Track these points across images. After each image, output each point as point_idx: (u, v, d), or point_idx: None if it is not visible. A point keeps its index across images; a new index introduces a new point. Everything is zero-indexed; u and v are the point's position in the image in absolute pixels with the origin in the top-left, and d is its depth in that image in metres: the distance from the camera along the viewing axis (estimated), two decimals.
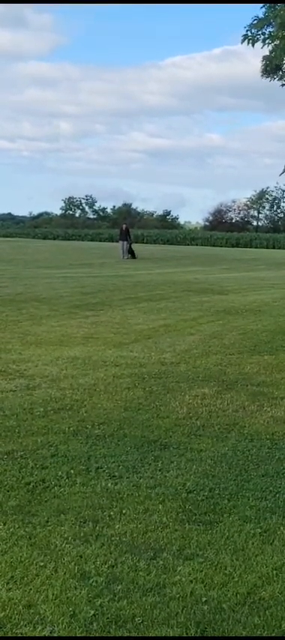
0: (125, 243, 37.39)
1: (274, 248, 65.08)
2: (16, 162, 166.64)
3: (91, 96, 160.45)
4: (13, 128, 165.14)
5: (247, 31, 11.25)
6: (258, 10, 11.65)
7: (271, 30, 11.33)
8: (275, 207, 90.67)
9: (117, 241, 42.29)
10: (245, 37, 11.29)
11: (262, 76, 12.47)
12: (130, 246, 37.28)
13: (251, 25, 11.22)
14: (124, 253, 36.88)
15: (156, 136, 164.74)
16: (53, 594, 3.49)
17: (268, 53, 12.02)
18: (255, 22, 11.18)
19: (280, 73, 12.58)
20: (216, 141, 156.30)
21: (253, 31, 11.17)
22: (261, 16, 11.25)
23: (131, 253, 37.02)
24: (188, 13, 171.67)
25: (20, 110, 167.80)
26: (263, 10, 11.27)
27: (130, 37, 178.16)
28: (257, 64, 12.50)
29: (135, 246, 39.47)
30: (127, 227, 39.67)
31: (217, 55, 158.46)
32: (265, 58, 12.23)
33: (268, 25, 11.22)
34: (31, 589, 3.54)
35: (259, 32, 11.18)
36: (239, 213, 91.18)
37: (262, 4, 11.31)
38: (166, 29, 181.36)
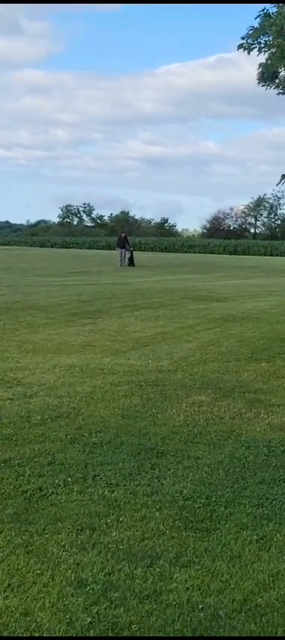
0: (123, 250, 37.42)
1: (271, 255, 65.27)
2: (12, 171, 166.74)
3: (86, 104, 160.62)
4: (10, 136, 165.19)
5: (243, 39, 11.34)
6: (253, 21, 11.72)
7: (266, 39, 11.39)
8: (273, 214, 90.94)
9: (114, 249, 42.42)
10: (241, 45, 11.37)
11: (258, 83, 12.52)
12: (131, 254, 37.30)
13: (247, 36, 11.30)
14: (122, 261, 36.90)
15: (152, 144, 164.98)
16: (50, 602, 3.49)
17: (263, 61, 12.08)
18: (251, 32, 11.26)
19: (277, 80, 12.63)
20: (212, 148, 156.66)
21: (248, 40, 11.24)
22: (256, 26, 11.33)
23: (131, 261, 37.02)
24: (183, 21, 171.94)
25: (16, 118, 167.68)
26: (258, 20, 11.36)
27: (125, 44, 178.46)
28: (252, 72, 12.61)
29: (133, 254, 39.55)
30: (126, 235, 39.76)
31: (211, 63, 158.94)
32: (261, 65, 12.28)
33: (263, 35, 11.29)
34: (28, 597, 3.55)
35: (255, 42, 11.25)
36: (237, 221, 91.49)
37: (256, 16, 11.37)
38: (161, 37, 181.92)
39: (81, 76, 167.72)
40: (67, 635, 3.25)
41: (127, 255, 37.42)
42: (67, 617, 3.37)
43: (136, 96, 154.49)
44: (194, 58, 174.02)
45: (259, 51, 11.67)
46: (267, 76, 12.46)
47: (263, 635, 3.30)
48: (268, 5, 11.31)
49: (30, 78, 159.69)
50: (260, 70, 12.40)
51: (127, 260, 37.09)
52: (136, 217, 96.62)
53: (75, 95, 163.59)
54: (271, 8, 11.46)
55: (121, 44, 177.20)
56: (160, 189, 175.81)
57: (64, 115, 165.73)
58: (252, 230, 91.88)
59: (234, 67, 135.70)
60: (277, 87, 12.69)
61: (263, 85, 12.43)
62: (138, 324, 13.61)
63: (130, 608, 3.45)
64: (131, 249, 38.43)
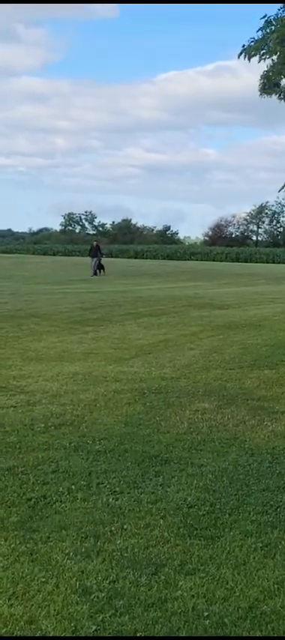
0: (95, 259, 37.33)
1: (273, 262, 65.27)
2: (12, 179, 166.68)
3: (84, 111, 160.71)
4: (8, 144, 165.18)
5: (243, 49, 11.38)
6: (251, 28, 11.79)
7: (267, 46, 11.43)
8: (275, 221, 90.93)
9: (116, 256, 42.23)
10: (242, 50, 11.41)
11: (260, 94, 12.56)
12: (99, 262, 37.20)
13: (249, 47, 11.35)
14: (93, 269, 36.65)
15: (152, 151, 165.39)
16: (55, 610, 3.49)
17: (265, 69, 12.12)
18: (252, 43, 11.30)
19: (278, 89, 12.65)
20: (212, 156, 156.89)
21: (250, 50, 11.29)
22: (257, 37, 11.38)
23: (100, 268, 36.90)
24: (180, 30, 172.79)
25: (14, 126, 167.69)
26: (259, 34, 11.41)
27: (121, 53, 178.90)
28: (251, 79, 12.72)
29: (135, 262, 39.55)
30: (98, 244, 39.91)
31: (210, 71, 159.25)
32: (263, 76, 12.32)
33: (264, 46, 11.34)
34: (32, 605, 3.54)
35: (257, 52, 11.30)
36: (239, 228, 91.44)
37: (258, 29, 11.41)
38: (158, 46, 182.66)
39: (78, 83, 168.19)
40: None
41: (97, 262, 37.16)
42: (72, 624, 3.37)
43: (134, 103, 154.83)
44: (192, 66, 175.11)
45: (260, 58, 11.70)
46: (269, 85, 12.48)
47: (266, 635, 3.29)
48: (268, 5, 11.42)
49: (28, 85, 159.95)
50: (262, 81, 12.43)
51: (96, 268, 36.78)
52: (138, 225, 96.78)
53: (72, 103, 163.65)
54: (272, 15, 11.50)
55: (117, 52, 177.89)
56: (161, 196, 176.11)
57: (62, 123, 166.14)
58: (254, 237, 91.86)
59: (232, 74, 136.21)
60: (279, 96, 12.71)
61: (265, 95, 12.46)
62: (140, 331, 13.61)
63: (135, 616, 3.44)
64: (100, 257, 38.29)
